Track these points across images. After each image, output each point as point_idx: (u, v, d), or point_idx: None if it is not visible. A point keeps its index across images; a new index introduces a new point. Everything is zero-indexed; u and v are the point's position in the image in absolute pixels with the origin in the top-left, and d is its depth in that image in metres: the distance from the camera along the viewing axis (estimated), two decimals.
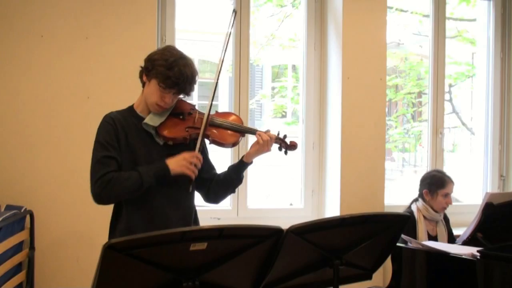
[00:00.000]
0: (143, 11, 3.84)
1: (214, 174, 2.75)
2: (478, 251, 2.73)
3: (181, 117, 2.59)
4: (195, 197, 2.73)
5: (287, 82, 10.69)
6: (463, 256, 2.78)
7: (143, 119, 2.55)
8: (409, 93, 9.48)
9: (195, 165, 2.47)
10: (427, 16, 5.20)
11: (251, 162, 2.70)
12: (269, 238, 2.03)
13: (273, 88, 10.93)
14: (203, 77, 11.54)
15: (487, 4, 4.98)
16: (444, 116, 4.85)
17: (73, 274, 3.69)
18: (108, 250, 1.70)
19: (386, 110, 4.62)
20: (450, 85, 8.97)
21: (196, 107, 2.69)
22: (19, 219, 3.46)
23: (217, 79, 2.71)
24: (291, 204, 4.77)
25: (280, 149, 2.74)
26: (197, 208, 4.06)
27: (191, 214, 2.68)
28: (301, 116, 4.53)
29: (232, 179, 2.71)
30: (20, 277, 3.47)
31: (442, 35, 4.77)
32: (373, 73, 4.25)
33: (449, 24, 7.56)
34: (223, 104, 10.88)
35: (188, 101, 2.70)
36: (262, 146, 2.62)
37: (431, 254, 2.94)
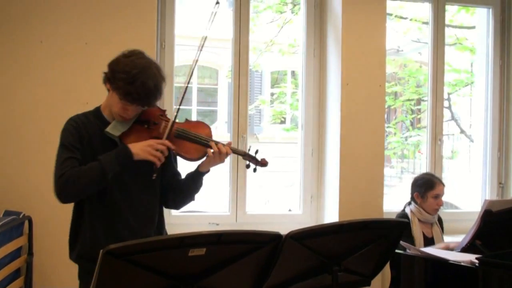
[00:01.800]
0: (143, 17, 3.85)
1: (176, 180, 2.67)
2: (476, 258, 2.73)
3: (146, 126, 2.48)
4: (162, 208, 2.69)
5: (286, 88, 10.71)
6: (462, 263, 2.77)
7: (108, 123, 2.46)
8: (408, 100, 9.49)
9: (162, 152, 2.36)
10: (426, 23, 5.22)
11: (208, 171, 2.60)
12: (268, 244, 2.03)
13: (272, 94, 10.96)
14: (202, 83, 11.56)
15: (487, 11, 4.99)
16: (443, 123, 4.84)
17: (71, 280, 3.67)
18: (106, 256, 1.70)
19: (385, 116, 4.62)
20: (449, 93, 8.99)
21: (166, 113, 2.58)
22: (18, 225, 3.45)
23: (187, 84, 2.58)
24: (290, 210, 4.77)
25: (248, 166, 2.62)
26: (195, 213, 4.06)
27: (153, 224, 2.61)
28: (300, 122, 4.54)
29: (189, 188, 2.62)
30: (18, 283, 3.46)
31: (441, 42, 4.77)
32: (372, 80, 4.25)
33: (448, 32, 7.58)
34: (223, 109, 10.93)
35: (158, 106, 2.59)
36: (213, 159, 2.52)
37: (429, 261, 2.94)
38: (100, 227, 2.45)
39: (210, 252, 1.87)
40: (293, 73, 11.07)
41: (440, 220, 3.90)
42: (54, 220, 3.69)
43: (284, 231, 2.10)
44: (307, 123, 4.46)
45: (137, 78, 2.31)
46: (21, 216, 3.51)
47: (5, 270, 3.27)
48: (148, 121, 2.49)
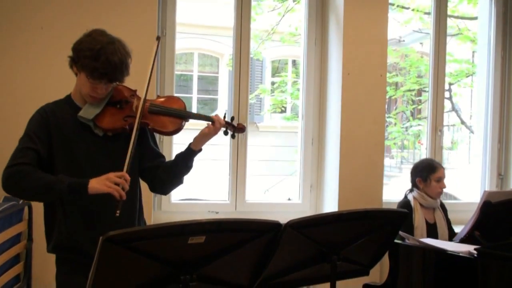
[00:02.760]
0: (144, 4, 3.82)
1: (160, 162, 2.61)
2: (475, 249, 2.74)
3: (118, 106, 2.48)
4: (141, 195, 2.61)
5: (287, 77, 10.70)
6: (460, 254, 2.78)
7: (80, 109, 2.43)
8: (409, 90, 9.49)
9: (123, 188, 2.23)
10: (428, 13, 5.20)
11: (200, 150, 2.57)
12: (267, 233, 2.03)
13: (272, 83, 10.94)
14: (203, 71, 11.54)
15: (489, 2, 4.97)
16: (444, 114, 4.84)
17: None
18: (106, 243, 1.70)
19: (386, 106, 4.61)
20: (450, 83, 8.98)
21: (137, 92, 2.56)
22: (17, 211, 3.46)
23: (148, 82, 2.52)
24: (289, 199, 4.78)
25: (226, 133, 2.63)
26: (195, 201, 4.07)
27: (134, 214, 2.53)
28: (301, 111, 4.53)
29: (180, 168, 2.57)
30: (17, 268, 3.47)
31: (443, 33, 4.75)
32: (373, 70, 4.24)
33: (450, 22, 7.56)
34: (223, 98, 10.93)
35: (128, 86, 2.57)
36: (213, 131, 2.51)
37: (428, 251, 2.95)
38: (76, 216, 2.38)
39: (209, 240, 1.87)
40: (294, 62, 11.05)
41: (442, 206, 3.90)
42: None
43: (283, 220, 2.11)
44: (308, 113, 4.46)
45: (101, 54, 2.31)
46: (20, 202, 3.51)
47: (5, 255, 3.28)
48: (120, 101, 2.49)
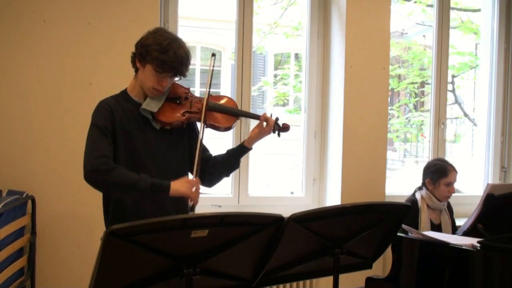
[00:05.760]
0: None
1: (208, 156, 2.75)
2: (478, 242, 2.73)
3: (177, 101, 2.62)
4: None
5: (289, 70, 10.68)
6: (463, 247, 2.78)
7: (138, 103, 2.55)
8: (412, 83, 9.46)
9: (196, 190, 2.42)
10: (431, 5, 5.18)
11: (251, 148, 2.74)
12: (270, 226, 2.03)
13: (275, 76, 10.93)
14: (205, 65, 11.54)
15: None
16: (447, 107, 4.83)
17: (74, 259, 3.70)
18: (109, 236, 1.71)
19: (389, 99, 4.61)
20: (453, 76, 8.95)
21: (191, 90, 2.72)
22: (21, 204, 3.46)
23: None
24: (292, 193, 4.77)
25: (274, 131, 2.75)
26: None
27: (187, 209, 2.62)
28: (303, 104, 4.52)
29: (230, 164, 2.74)
30: (21, 262, 3.48)
31: (446, 25, 4.74)
32: (376, 63, 4.23)
33: (453, 14, 7.53)
34: (225, 91, 10.92)
35: (182, 85, 2.72)
36: (266, 129, 2.67)
37: (431, 244, 2.95)
38: (146, 210, 2.50)
39: (212, 233, 1.87)
40: (296, 55, 11.04)
41: (450, 210, 3.89)
42: (58, 200, 3.70)
43: (286, 213, 2.11)
44: (310, 106, 4.45)
45: (169, 48, 2.45)
46: (24, 195, 3.52)
47: (9, 249, 3.29)
48: (179, 97, 2.64)
